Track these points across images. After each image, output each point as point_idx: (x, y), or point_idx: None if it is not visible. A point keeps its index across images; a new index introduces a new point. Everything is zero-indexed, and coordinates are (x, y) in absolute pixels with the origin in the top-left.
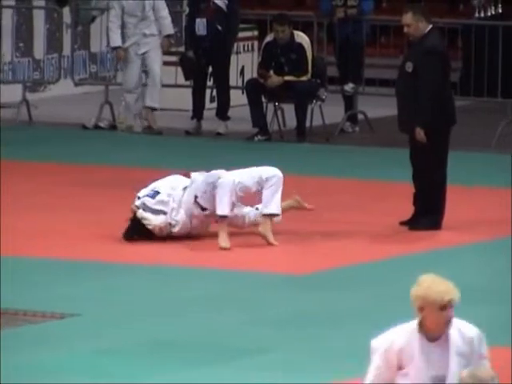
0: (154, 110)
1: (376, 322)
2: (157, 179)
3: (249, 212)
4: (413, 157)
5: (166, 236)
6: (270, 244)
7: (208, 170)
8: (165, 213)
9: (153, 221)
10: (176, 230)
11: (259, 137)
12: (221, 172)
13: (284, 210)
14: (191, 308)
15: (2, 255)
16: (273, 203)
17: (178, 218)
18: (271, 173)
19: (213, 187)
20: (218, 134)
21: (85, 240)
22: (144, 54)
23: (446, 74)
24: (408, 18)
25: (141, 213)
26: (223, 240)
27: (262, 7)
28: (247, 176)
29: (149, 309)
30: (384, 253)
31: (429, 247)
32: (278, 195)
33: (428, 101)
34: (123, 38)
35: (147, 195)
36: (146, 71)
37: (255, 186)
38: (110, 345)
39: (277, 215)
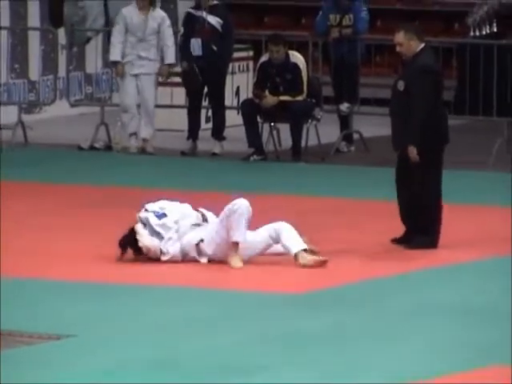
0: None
1: (376, 340)
2: (152, 200)
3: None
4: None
5: (155, 259)
6: (232, 268)
7: (203, 190)
8: (162, 237)
9: (144, 240)
10: (165, 259)
11: (255, 157)
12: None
13: (307, 266)
14: (188, 328)
15: None
16: (237, 231)
17: (171, 250)
18: (235, 202)
19: (229, 213)
20: (214, 154)
21: (80, 260)
22: (137, 75)
23: (439, 93)
24: (400, 36)
25: (139, 227)
26: (236, 261)
27: (256, 27)
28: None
29: (145, 329)
30: (381, 271)
31: (425, 266)
32: (242, 223)
33: (420, 119)
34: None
35: (155, 213)
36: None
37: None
38: (107, 365)
39: (238, 243)
